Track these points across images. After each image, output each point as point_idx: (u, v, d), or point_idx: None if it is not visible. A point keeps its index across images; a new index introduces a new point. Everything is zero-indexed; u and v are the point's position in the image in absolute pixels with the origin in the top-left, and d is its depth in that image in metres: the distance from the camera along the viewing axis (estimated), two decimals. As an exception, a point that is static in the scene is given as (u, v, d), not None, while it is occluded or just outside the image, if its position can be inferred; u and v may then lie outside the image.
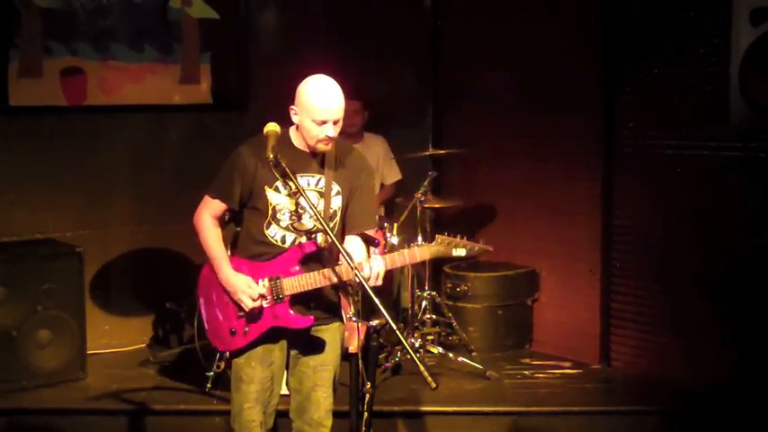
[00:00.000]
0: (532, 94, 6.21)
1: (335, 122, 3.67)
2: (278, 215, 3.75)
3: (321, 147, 3.70)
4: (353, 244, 3.79)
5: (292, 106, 3.71)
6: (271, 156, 3.56)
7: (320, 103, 3.63)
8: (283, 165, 3.58)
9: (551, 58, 6.07)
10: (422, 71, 6.98)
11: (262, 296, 3.73)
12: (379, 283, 3.63)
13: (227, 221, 3.95)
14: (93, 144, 6.12)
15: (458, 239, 3.76)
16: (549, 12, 6.08)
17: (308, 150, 3.75)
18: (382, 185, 6.48)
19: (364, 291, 3.40)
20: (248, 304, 3.72)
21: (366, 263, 3.63)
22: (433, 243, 3.77)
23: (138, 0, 6.20)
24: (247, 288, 3.72)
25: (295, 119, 3.72)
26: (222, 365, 5.07)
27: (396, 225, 5.75)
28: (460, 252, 3.77)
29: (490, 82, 6.47)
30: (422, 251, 3.77)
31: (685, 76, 5.44)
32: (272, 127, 3.68)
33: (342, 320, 3.93)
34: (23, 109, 5.83)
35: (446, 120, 6.94)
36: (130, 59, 6.20)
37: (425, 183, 5.87)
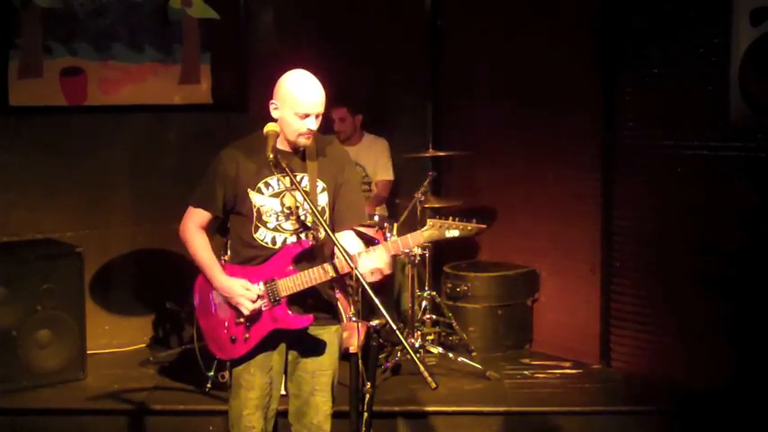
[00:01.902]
0: (532, 93, 6.21)
1: (317, 116, 3.67)
2: (264, 217, 3.73)
3: (302, 141, 3.69)
4: (347, 239, 3.77)
5: (272, 101, 3.71)
6: (271, 155, 3.57)
7: (303, 96, 3.63)
8: (283, 165, 3.59)
9: (551, 57, 6.07)
10: (422, 72, 6.98)
11: (260, 296, 3.70)
12: (388, 271, 3.61)
13: (213, 232, 3.93)
14: (93, 144, 6.12)
15: (450, 221, 3.71)
16: (549, 12, 6.08)
17: (288, 149, 3.74)
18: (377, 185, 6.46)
19: (362, 286, 3.39)
20: (248, 307, 3.69)
21: (366, 253, 3.61)
22: (426, 227, 3.69)
23: (138, 0, 6.20)
24: (244, 291, 3.69)
25: (275, 113, 3.70)
26: (227, 375, 5.05)
27: (396, 225, 5.75)
28: (454, 233, 3.68)
29: (490, 82, 6.48)
30: (415, 237, 3.71)
31: (685, 76, 5.44)
32: (271, 127, 3.69)
33: (340, 323, 3.92)
34: (23, 109, 5.83)
35: (446, 120, 6.94)
36: (130, 60, 6.21)
37: (425, 183, 5.87)
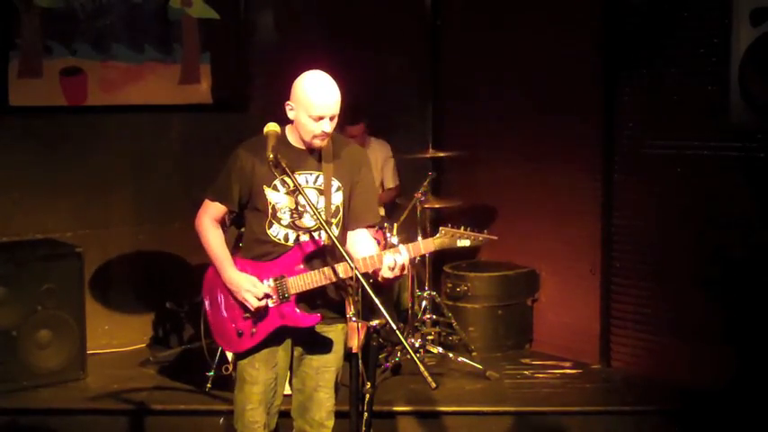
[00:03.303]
0: (532, 94, 6.21)
1: (332, 118, 3.67)
2: (278, 214, 3.75)
3: (317, 142, 3.71)
4: (362, 237, 3.79)
5: (288, 102, 3.72)
6: (270, 156, 3.57)
7: (317, 98, 3.64)
8: (283, 165, 3.59)
9: (551, 58, 6.08)
10: (422, 71, 6.98)
11: (267, 295, 3.72)
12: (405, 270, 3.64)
13: (228, 224, 3.95)
14: (93, 144, 6.12)
15: (461, 230, 3.72)
16: (549, 12, 6.08)
17: (304, 147, 3.76)
18: (382, 187, 6.48)
19: (364, 290, 3.39)
20: (253, 303, 3.71)
21: (390, 251, 3.61)
22: (437, 235, 3.71)
23: (137, 0, 6.21)
24: (252, 287, 3.72)
25: (291, 114, 3.72)
26: (231, 368, 5.06)
27: (396, 225, 5.75)
28: (465, 242, 3.69)
29: (490, 82, 6.48)
30: (426, 243, 3.73)
31: (685, 76, 5.44)
32: (271, 127, 3.69)
33: (347, 321, 3.92)
34: (23, 109, 5.83)
35: (446, 120, 6.94)
36: (130, 59, 6.21)
37: (425, 183, 5.88)
